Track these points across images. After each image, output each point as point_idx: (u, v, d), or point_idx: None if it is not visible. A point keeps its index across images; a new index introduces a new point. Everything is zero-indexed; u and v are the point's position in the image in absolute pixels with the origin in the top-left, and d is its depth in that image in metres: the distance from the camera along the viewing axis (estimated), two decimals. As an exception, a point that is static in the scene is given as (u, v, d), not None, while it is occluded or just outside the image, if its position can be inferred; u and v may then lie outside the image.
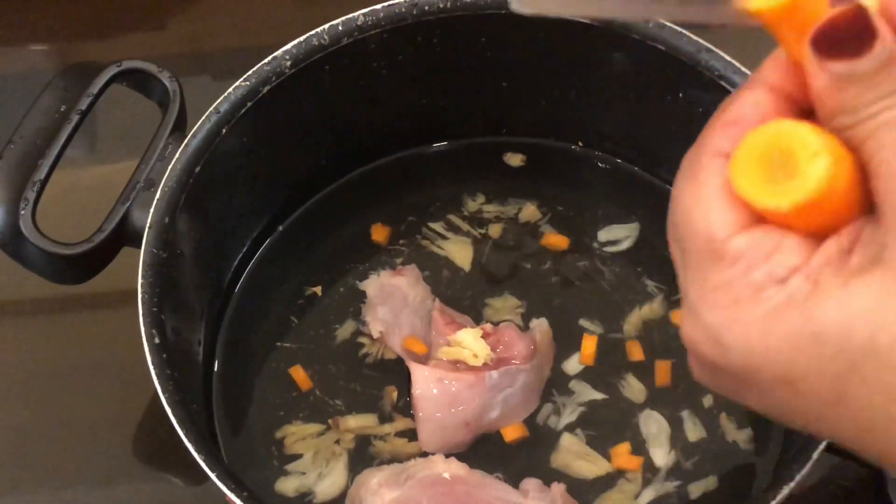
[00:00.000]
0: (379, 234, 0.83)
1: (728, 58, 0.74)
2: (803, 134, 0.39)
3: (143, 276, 0.69)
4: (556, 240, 0.83)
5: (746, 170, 0.41)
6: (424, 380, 0.74)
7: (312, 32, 0.76)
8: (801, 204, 0.40)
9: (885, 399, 0.39)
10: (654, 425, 0.76)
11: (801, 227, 0.41)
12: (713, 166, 0.42)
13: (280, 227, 0.84)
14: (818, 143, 0.39)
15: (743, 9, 0.40)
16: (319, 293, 0.81)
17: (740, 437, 0.75)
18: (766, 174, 0.40)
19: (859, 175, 0.40)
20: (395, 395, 0.77)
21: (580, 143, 0.87)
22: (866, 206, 0.41)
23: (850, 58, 0.39)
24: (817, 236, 0.41)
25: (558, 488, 0.72)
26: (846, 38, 0.39)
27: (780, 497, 0.63)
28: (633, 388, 0.77)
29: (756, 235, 0.41)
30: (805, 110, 0.42)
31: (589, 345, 0.78)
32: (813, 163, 0.39)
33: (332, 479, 0.74)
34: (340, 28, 0.76)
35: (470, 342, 0.75)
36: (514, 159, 0.87)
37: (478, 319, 0.80)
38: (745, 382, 0.42)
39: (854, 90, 0.40)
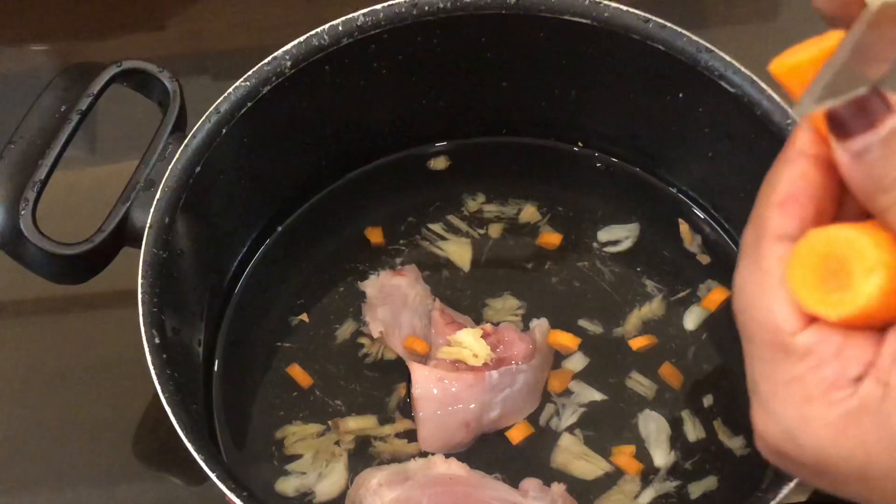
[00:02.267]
0: (374, 236, 0.83)
1: (728, 58, 0.74)
2: (862, 245, 0.39)
3: (143, 276, 0.69)
4: (550, 237, 0.83)
5: (802, 273, 0.40)
6: (424, 380, 0.74)
7: (312, 32, 0.76)
8: (849, 318, 0.40)
9: None
10: (653, 425, 0.76)
11: (859, 325, 0.41)
12: (776, 253, 0.42)
13: (280, 228, 0.84)
14: (875, 257, 0.39)
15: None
16: (307, 320, 0.80)
17: (736, 443, 0.75)
18: (822, 280, 0.40)
19: None
20: (402, 391, 0.77)
21: (580, 143, 0.87)
22: None
23: (865, 131, 0.40)
24: (882, 327, 0.41)
25: (558, 488, 0.72)
26: (860, 113, 0.40)
27: (779, 497, 0.64)
28: (634, 389, 0.77)
29: (824, 331, 0.41)
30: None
31: (565, 339, 0.79)
32: (867, 279, 0.39)
33: (332, 480, 0.74)
34: (340, 28, 0.76)
35: (470, 342, 0.75)
36: (439, 163, 0.87)
37: (478, 319, 0.80)
38: (819, 474, 0.43)
39: (874, 161, 0.40)
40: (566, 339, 0.78)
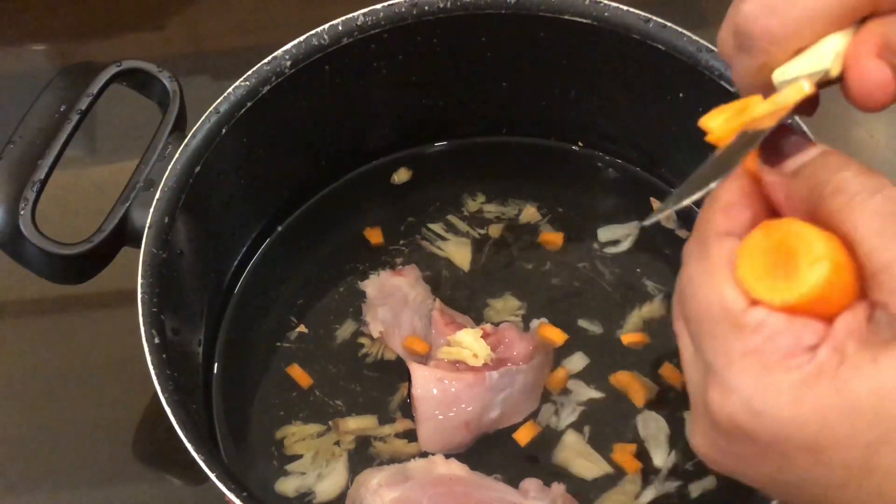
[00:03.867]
0: (374, 236, 0.83)
1: (728, 58, 0.74)
2: (811, 238, 0.42)
3: (142, 277, 0.69)
4: (551, 237, 0.83)
5: (751, 261, 0.43)
6: (424, 380, 0.74)
7: (312, 32, 0.76)
8: (791, 304, 0.42)
9: None
10: (653, 425, 0.76)
11: (801, 313, 0.42)
12: (722, 245, 0.44)
13: (280, 227, 0.84)
14: (822, 249, 0.41)
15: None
16: (306, 330, 0.80)
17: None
18: (769, 269, 0.42)
19: (856, 265, 0.42)
20: (403, 392, 0.77)
21: (580, 143, 0.87)
22: (863, 289, 0.42)
23: (799, 153, 0.45)
24: (823, 318, 0.42)
25: (558, 488, 0.72)
26: (791, 143, 0.45)
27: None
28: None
29: (771, 310, 0.43)
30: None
31: (552, 333, 0.78)
32: (812, 269, 0.41)
33: (332, 480, 0.74)
34: (340, 28, 0.76)
35: (470, 342, 0.75)
36: (403, 175, 0.86)
37: (478, 320, 0.80)
38: (769, 451, 0.43)
39: (815, 172, 0.44)
40: (553, 334, 0.78)
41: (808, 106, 0.50)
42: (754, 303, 0.43)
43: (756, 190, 0.46)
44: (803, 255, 0.42)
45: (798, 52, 0.47)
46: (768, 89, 0.48)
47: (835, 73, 0.47)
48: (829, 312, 0.42)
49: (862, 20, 0.47)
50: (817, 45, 0.47)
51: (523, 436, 0.76)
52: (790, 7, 0.47)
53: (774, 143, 0.45)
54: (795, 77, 0.47)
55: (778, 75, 0.48)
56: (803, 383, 0.41)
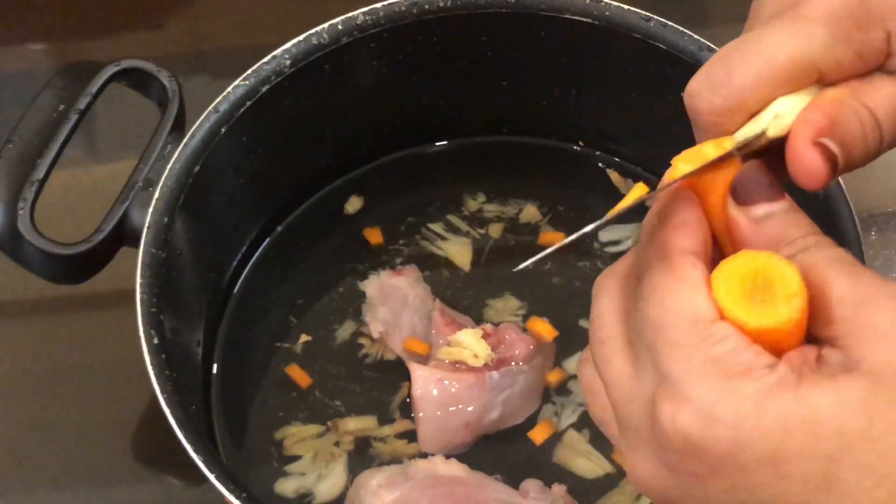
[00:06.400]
0: (373, 236, 0.83)
1: (729, 57, 0.74)
2: (789, 274, 0.43)
3: (141, 277, 0.69)
4: (552, 237, 0.83)
5: (728, 282, 0.44)
6: (424, 380, 0.74)
7: (312, 31, 0.76)
8: (766, 329, 0.43)
9: (873, 482, 0.40)
10: (654, 426, 0.76)
11: (766, 342, 0.44)
12: (687, 262, 0.45)
13: (279, 227, 0.84)
14: (798, 285, 0.43)
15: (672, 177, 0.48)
16: (309, 338, 0.80)
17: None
18: (745, 292, 0.44)
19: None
20: (405, 391, 0.77)
21: (581, 143, 0.87)
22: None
23: (769, 201, 0.46)
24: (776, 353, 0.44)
25: (559, 489, 0.72)
26: (762, 187, 0.47)
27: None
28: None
29: (737, 327, 0.43)
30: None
31: (543, 328, 0.79)
32: (790, 301, 0.43)
33: (331, 481, 0.74)
34: (340, 27, 0.76)
35: (470, 342, 0.75)
36: (353, 204, 0.86)
37: (478, 320, 0.79)
38: (724, 464, 0.42)
39: (776, 224, 0.46)
40: (544, 329, 0.78)
41: (774, 169, 0.49)
42: (723, 316, 0.44)
43: (703, 218, 0.47)
44: (780, 287, 0.43)
45: (751, 117, 0.48)
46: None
47: (772, 134, 0.47)
48: (783, 348, 0.44)
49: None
50: (768, 108, 0.48)
51: (538, 435, 0.76)
52: (730, 80, 0.47)
53: (746, 184, 0.47)
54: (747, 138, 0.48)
55: (738, 136, 0.49)
56: (767, 392, 0.41)
